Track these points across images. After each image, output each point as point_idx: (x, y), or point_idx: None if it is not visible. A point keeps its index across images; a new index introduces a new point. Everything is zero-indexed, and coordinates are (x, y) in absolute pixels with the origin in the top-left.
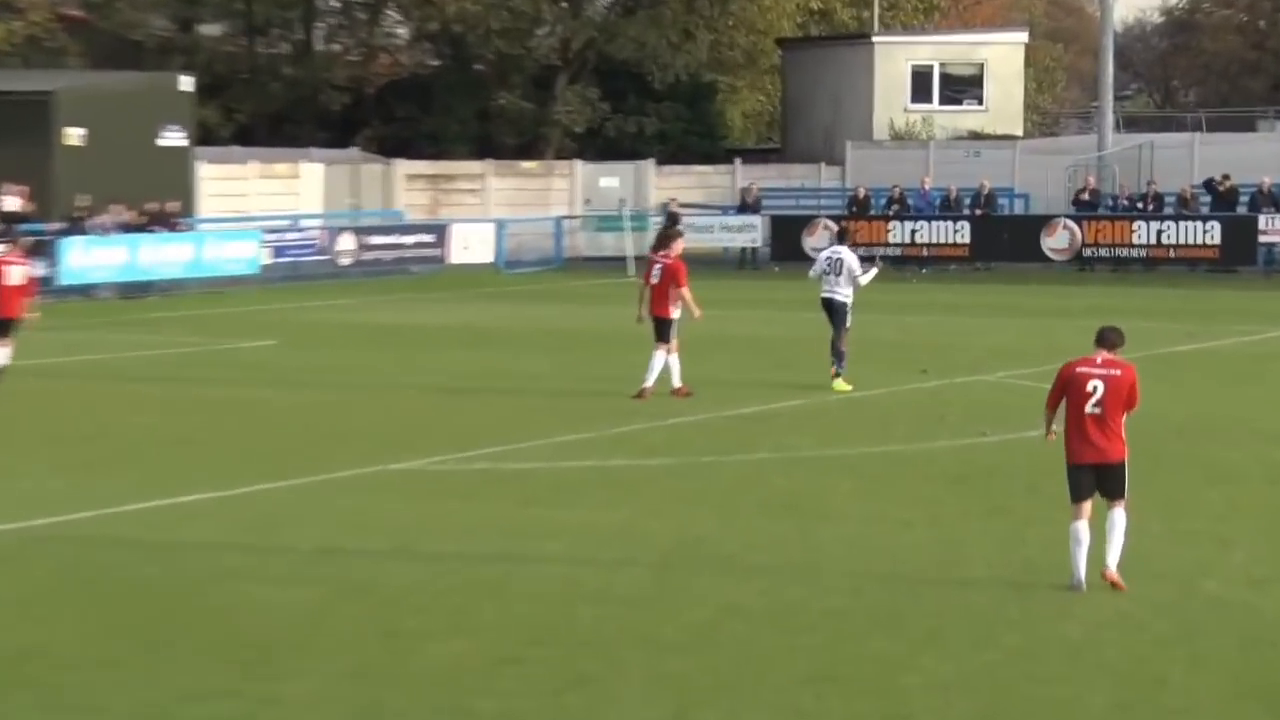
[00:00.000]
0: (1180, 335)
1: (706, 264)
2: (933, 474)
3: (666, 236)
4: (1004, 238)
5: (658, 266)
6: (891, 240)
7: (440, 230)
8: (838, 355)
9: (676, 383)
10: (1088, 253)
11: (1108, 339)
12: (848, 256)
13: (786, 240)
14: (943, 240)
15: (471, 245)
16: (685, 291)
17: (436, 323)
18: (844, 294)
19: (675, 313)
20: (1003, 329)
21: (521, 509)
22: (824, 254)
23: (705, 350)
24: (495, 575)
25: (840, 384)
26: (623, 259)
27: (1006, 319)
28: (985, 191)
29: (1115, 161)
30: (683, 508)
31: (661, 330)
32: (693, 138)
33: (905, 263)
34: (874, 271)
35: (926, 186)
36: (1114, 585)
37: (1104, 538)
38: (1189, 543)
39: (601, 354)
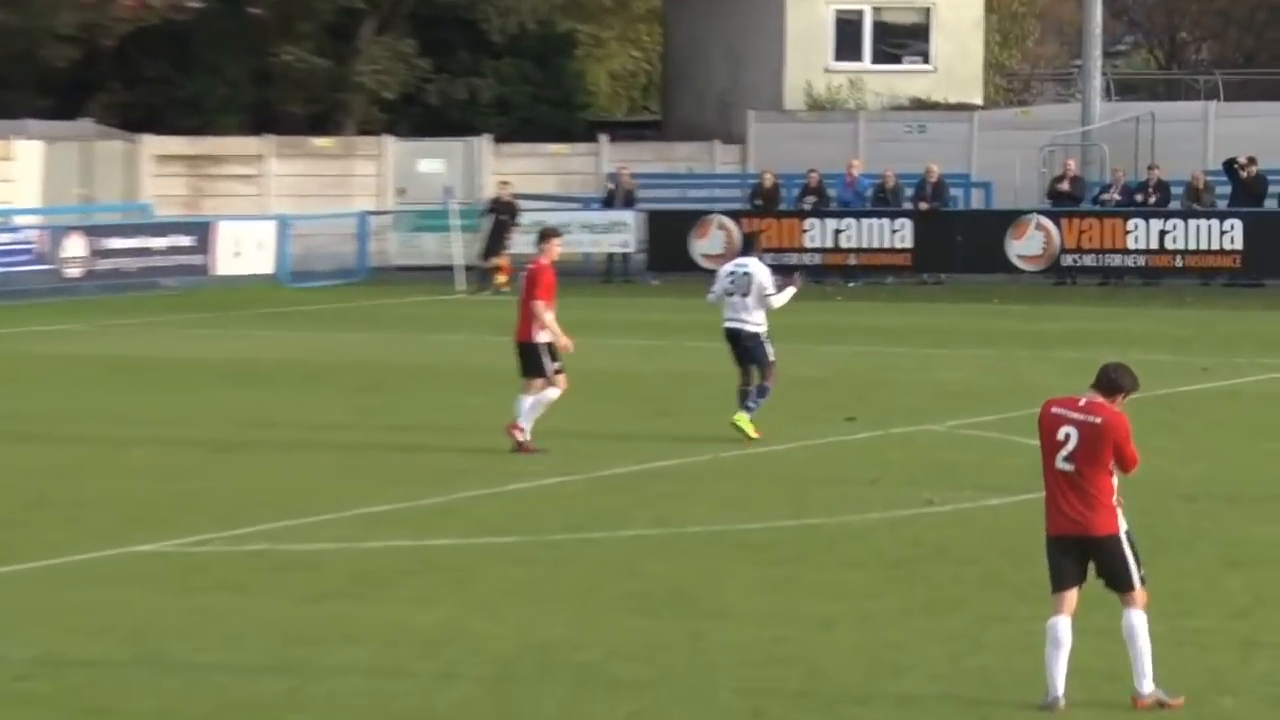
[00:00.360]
0: (1191, 371)
1: (563, 275)
2: (861, 557)
3: (544, 235)
4: (957, 240)
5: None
6: (809, 244)
7: (202, 230)
8: (761, 392)
9: (521, 431)
10: (1068, 260)
11: (1108, 381)
12: (757, 271)
13: (668, 244)
14: (877, 244)
15: (245, 250)
16: (539, 306)
17: (198, 355)
18: (755, 322)
19: (541, 335)
20: (955, 363)
21: (310, 605)
22: (725, 269)
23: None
24: (275, 694)
25: (744, 421)
26: (449, 269)
27: (960, 349)
28: (933, 179)
29: (1105, 139)
30: (526, 603)
31: (528, 361)
32: (543, 107)
33: (827, 274)
34: (791, 291)
35: (855, 172)
36: (1163, 705)
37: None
38: (1200, 645)
39: (419, 396)
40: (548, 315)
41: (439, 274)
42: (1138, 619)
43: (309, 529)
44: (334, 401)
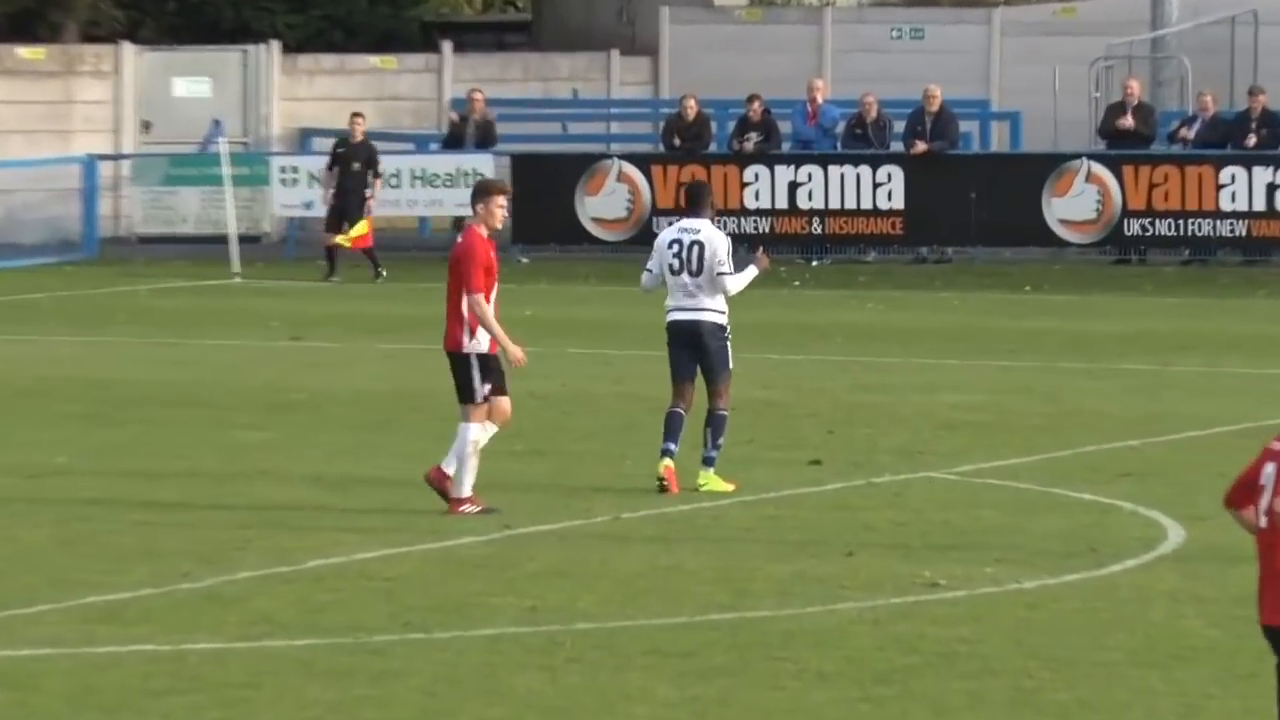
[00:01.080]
0: None
1: (389, 250)
2: (831, 666)
3: (481, 191)
4: (970, 199)
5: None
6: (751, 204)
7: None
8: (714, 427)
9: (462, 488)
10: (1133, 228)
11: None
12: (712, 238)
13: (544, 204)
14: (851, 204)
15: None
16: (476, 301)
17: None
18: (715, 310)
19: (476, 342)
20: (968, 380)
21: None
22: (666, 238)
23: (392, 421)
24: None
25: (712, 479)
26: (222, 240)
27: (975, 358)
28: (934, 109)
29: (1186, 49)
30: None
31: (459, 378)
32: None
33: (779, 247)
34: (753, 272)
35: (819, 98)
36: None
37: None
38: None
39: (175, 430)
40: (488, 311)
41: (204, 248)
42: None
43: (13, 626)
44: (48, 437)
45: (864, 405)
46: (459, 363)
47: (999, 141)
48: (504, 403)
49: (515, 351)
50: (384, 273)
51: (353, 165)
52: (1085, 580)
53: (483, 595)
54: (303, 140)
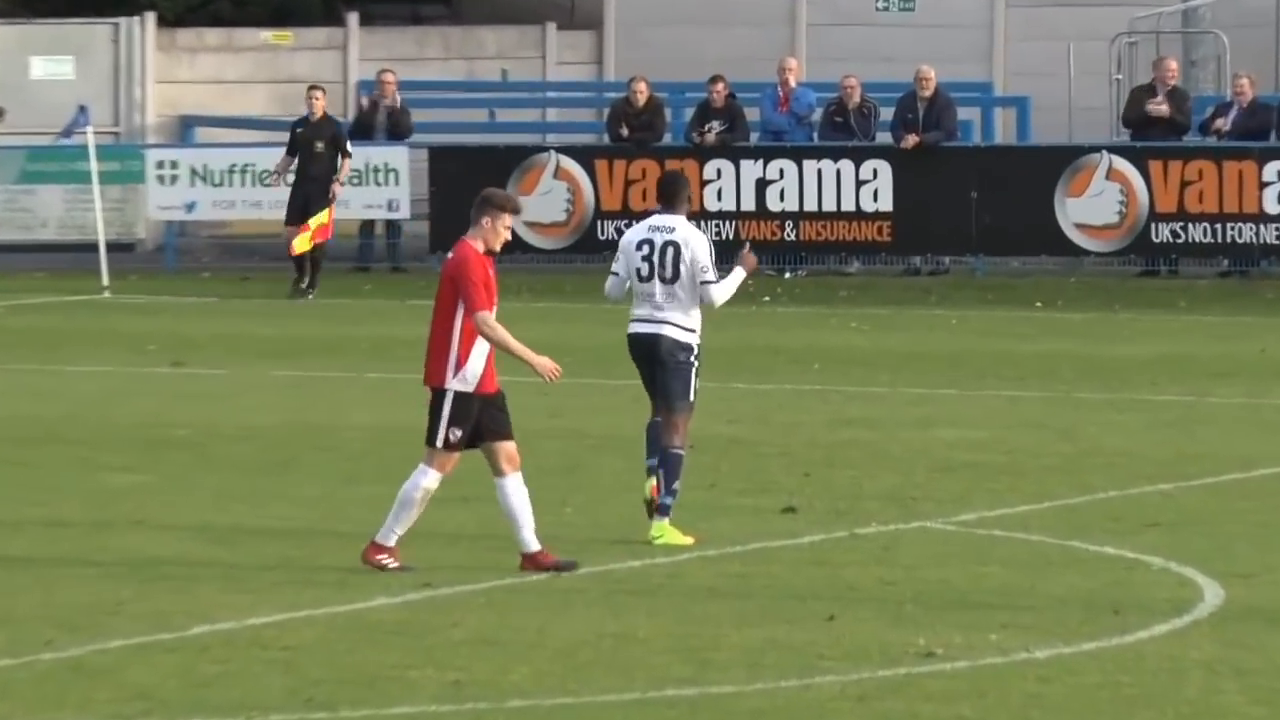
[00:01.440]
0: None
1: (272, 259)
2: None
3: (487, 203)
4: (971, 199)
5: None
6: (713, 205)
7: None
8: (668, 468)
9: (389, 534)
10: (1162, 233)
11: None
12: (690, 239)
13: (467, 205)
14: (831, 205)
15: None
16: (484, 320)
17: None
18: (685, 326)
19: (460, 379)
20: (969, 412)
21: None
22: (634, 237)
23: (290, 462)
24: None
25: (668, 531)
26: (90, 248)
27: (977, 388)
28: (927, 93)
29: (1223, 23)
30: None
31: (430, 415)
32: None
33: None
34: (740, 276)
35: (792, 80)
36: None
37: None
38: None
39: (35, 472)
40: (501, 329)
41: (67, 257)
42: None
43: None
44: None
45: (846, 443)
46: (435, 398)
47: (1004, 132)
48: (509, 447)
49: (544, 364)
50: (312, 293)
51: (315, 146)
52: (1107, 649)
53: (398, 667)
54: (183, 130)
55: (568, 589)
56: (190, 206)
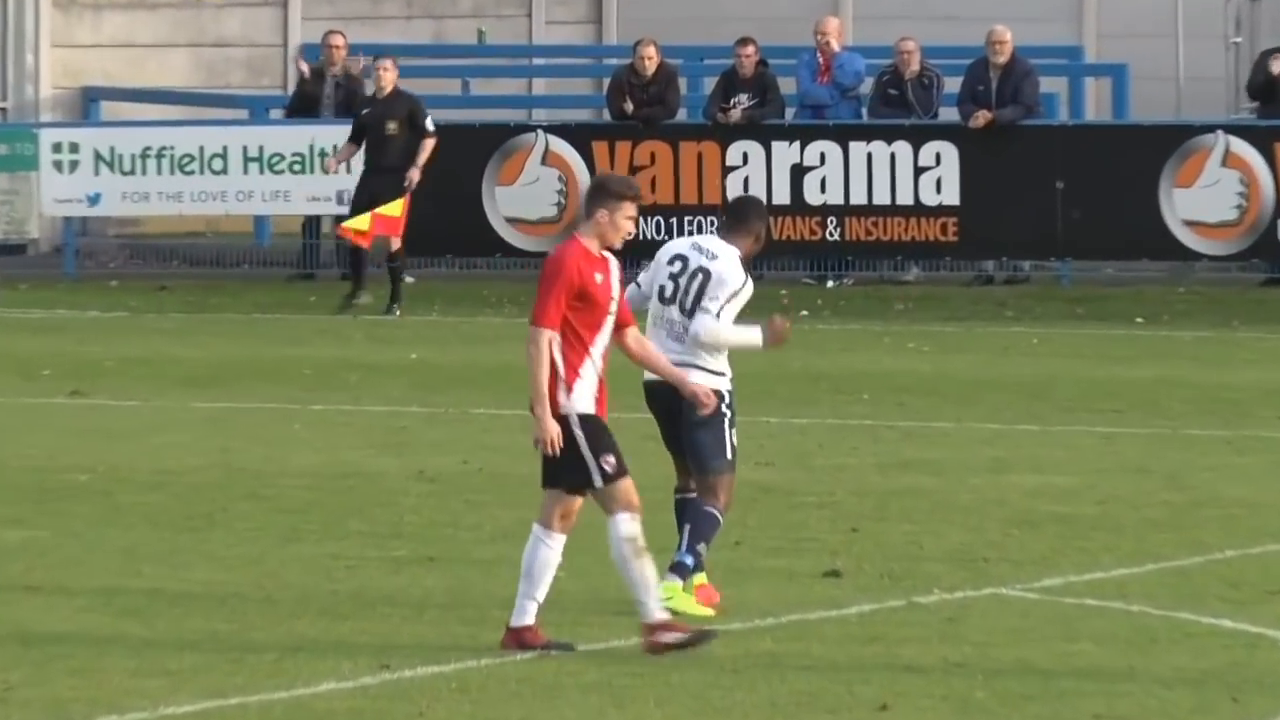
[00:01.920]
0: None
1: (210, 266)
2: None
3: (601, 191)
4: (1055, 190)
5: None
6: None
7: None
8: (694, 523)
9: (648, 608)
10: None
11: None
12: (724, 272)
13: (437, 197)
14: (885, 199)
15: None
16: (534, 338)
17: None
18: (710, 366)
19: (575, 399)
20: (1053, 452)
21: None
22: (670, 252)
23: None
24: None
25: (679, 594)
26: (19, 248)
27: (1062, 423)
28: (1001, 60)
29: None
30: None
31: (559, 456)
32: None
33: (780, 259)
34: (756, 336)
35: (834, 44)
36: None
37: None
38: None
39: None
40: (542, 357)
41: None
42: None
43: None
44: None
45: (903, 491)
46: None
47: (1096, 107)
48: (626, 485)
49: (546, 431)
50: (397, 308)
51: (387, 128)
52: None
53: None
54: (85, 105)
55: (557, 672)
56: (94, 199)
